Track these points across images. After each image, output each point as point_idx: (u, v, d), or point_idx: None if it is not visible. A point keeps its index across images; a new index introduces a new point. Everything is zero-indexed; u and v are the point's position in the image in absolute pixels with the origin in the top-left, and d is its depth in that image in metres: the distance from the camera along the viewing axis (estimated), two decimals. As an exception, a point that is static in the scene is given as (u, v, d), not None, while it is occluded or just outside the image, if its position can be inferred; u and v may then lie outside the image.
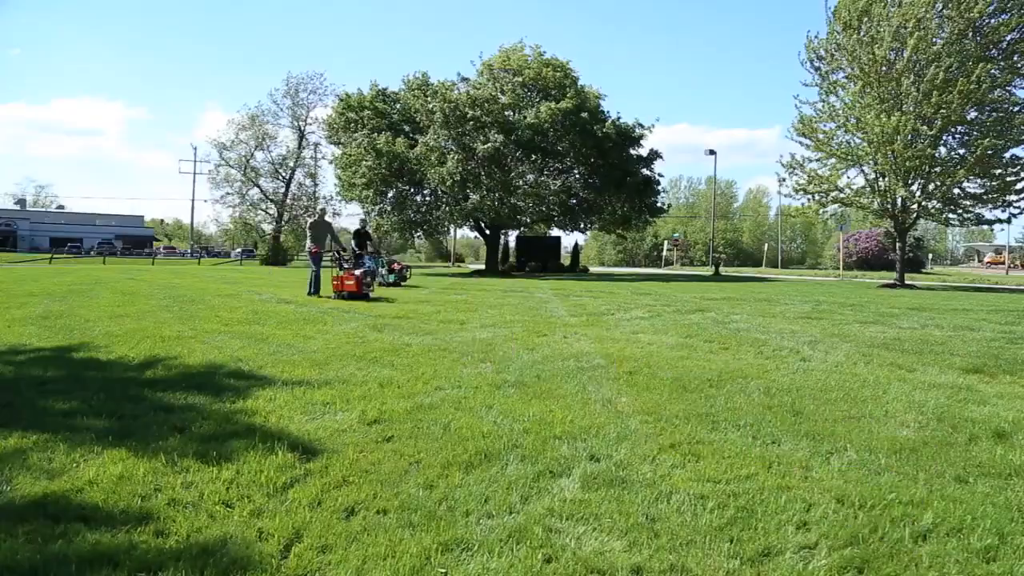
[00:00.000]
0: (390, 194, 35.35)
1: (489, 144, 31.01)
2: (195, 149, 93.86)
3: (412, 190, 35.47)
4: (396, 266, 21.18)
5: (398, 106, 36.95)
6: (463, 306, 12.78)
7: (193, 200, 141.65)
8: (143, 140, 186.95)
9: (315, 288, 15.09)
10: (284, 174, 56.90)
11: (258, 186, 56.76)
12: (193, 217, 79.98)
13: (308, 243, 15.56)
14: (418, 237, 41.02)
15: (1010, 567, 2.66)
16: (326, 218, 17.14)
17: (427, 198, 35.81)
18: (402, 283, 20.23)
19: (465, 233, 57.05)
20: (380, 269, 19.45)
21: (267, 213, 57.59)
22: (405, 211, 35.06)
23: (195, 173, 74.51)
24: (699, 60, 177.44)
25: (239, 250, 73.16)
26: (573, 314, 11.81)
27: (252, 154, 56.20)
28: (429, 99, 33.37)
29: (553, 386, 5.60)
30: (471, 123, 31.75)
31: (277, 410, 4.71)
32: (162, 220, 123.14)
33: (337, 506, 3.11)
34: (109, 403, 4.76)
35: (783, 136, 37.45)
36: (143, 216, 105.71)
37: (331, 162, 43.10)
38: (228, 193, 56.85)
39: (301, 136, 56.78)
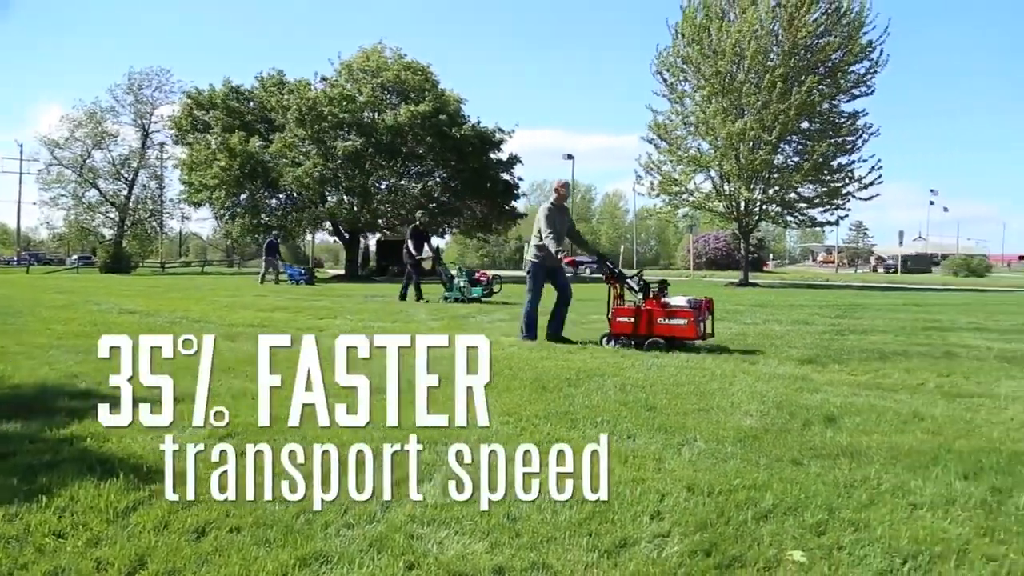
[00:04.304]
0: (242, 196, 33.89)
1: (349, 143, 30.42)
2: (21, 147, 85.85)
3: (267, 192, 34.16)
4: (481, 277, 16.58)
5: (252, 104, 35.48)
6: (322, 312, 12.44)
7: (19, 203, 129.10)
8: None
9: (557, 324, 9.26)
10: (126, 175, 53.11)
11: (96, 187, 52.68)
12: (19, 221, 72.92)
13: (544, 243, 9.18)
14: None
15: (838, 538, 2.89)
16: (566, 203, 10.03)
17: (282, 201, 34.64)
18: (488, 297, 16.02)
19: (324, 237, 55.62)
20: (459, 281, 15.87)
21: (107, 217, 53.58)
22: (259, 214, 33.72)
23: (21, 173, 68.01)
24: (571, 67, 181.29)
25: (75, 257, 67.55)
26: (435, 318, 11.78)
27: (90, 153, 51.98)
28: (285, 96, 32.32)
29: (416, 391, 5.54)
30: (328, 121, 30.99)
31: (118, 429, 4.36)
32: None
33: (186, 527, 2.93)
34: (-83, 430, 4.25)
35: (640, 139, 38.55)
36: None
37: (176, 166, 40.79)
38: (61, 195, 52.47)
39: (145, 135, 53.16)
